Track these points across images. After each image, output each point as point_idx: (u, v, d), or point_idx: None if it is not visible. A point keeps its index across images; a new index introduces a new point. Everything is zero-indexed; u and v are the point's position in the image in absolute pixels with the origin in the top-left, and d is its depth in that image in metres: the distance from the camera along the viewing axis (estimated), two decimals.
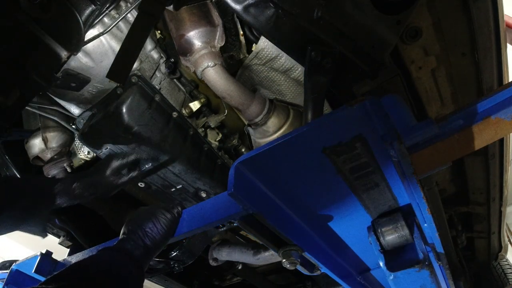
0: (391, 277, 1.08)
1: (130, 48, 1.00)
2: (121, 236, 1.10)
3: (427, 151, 0.95)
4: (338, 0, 1.10)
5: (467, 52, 1.33)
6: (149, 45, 1.48)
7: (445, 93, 1.50)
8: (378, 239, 1.11)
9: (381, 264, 1.09)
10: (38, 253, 2.32)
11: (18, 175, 1.72)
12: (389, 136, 0.82)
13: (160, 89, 1.52)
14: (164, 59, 1.56)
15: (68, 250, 2.13)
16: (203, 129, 1.73)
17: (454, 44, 1.31)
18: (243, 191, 0.87)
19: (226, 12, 1.45)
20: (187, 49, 1.43)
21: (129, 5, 1.26)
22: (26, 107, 1.48)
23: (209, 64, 1.40)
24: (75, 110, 1.52)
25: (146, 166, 1.53)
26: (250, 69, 1.56)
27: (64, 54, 1.07)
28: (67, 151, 1.67)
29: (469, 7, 1.18)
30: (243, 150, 1.88)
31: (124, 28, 1.36)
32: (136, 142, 1.41)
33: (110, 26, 1.20)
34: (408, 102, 1.43)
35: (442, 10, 1.21)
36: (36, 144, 1.59)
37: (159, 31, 1.57)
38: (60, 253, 1.89)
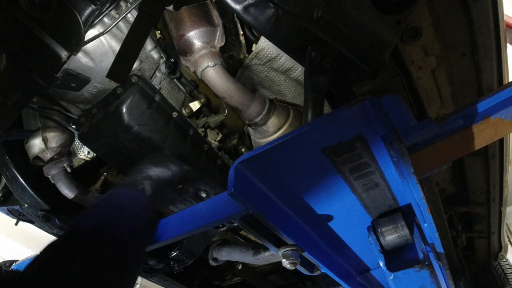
0: (391, 277, 1.08)
1: (130, 48, 1.00)
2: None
3: (427, 151, 0.95)
4: (338, 0, 1.10)
5: (467, 52, 1.33)
6: (149, 45, 1.48)
7: (445, 93, 1.50)
8: (378, 239, 1.11)
9: (381, 264, 1.09)
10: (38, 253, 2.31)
11: (18, 176, 1.72)
12: (389, 136, 0.82)
13: (160, 89, 1.52)
14: (164, 59, 1.56)
15: None
16: (203, 129, 1.73)
17: (454, 44, 1.31)
18: (243, 191, 0.87)
19: (226, 12, 1.45)
20: (187, 49, 1.43)
21: (129, 5, 1.26)
22: (26, 107, 1.48)
23: (209, 64, 1.40)
24: (75, 110, 1.52)
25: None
26: (250, 69, 1.56)
27: (64, 54, 1.07)
28: (67, 151, 1.67)
29: (469, 7, 1.18)
30: (243, 150, 1.88)
31: (124, 28, 1.36)
32: (136, 142, 1.41)
33: (110, 26, 1.20)
34: (408, 102, 1.43)
35: (442, 10, 1.21)
36: (36, 144, 1.59)
37: (159, 31, 1.57)
38: None
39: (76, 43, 1.11)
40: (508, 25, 3.63)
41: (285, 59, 1.46)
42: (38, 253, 0.83)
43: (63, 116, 1.56)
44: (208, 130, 1.77)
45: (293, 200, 1.05)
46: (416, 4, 1.09)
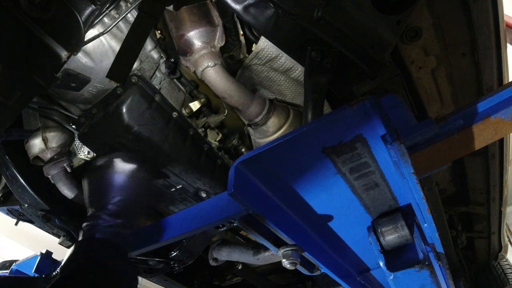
0: (391, 277, 1.08)
1: (130, 48, 1.00)
2: (90, 213, 1.08)
3: (427, 151, 0.95)
4: (338, 0, 1.10)
5: (467, 52, 1.33)
6: (149, 45, 1.48)
7: (445, 93, 1.50)
8: (378, 239, 1.11)
9: (381, 264, 1.09)
10: (38, 253, 2.32)
11: (18, 176, 1.72)
12: (389, 136, 0.82)
13: (160, 89, 1.52)
14: (164, 59, 1.56)
15: (68, 250, 2.13)
16: (203, 129, 1.73)
17: (454, 44, 1.31)
18: (243, 191, 0.87)
19: (226, 12, 1.45)
20: (187, 49, 1.43)
21: (129, 5, 1.26)
22: (26, 107, 1.48)
23: (209, 64, 1.40)
24: (75, 110, 1.52)
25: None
26: (250, 69, 1.56)
27: (64, 54, 1.07)
28: (67, 151, 1.67)
29: (469, 7, 1.18)
30: (243, 150, 1.88)
31: (124, 28, 1.36)
32: (136, 142, 1.41)
33: (110, 26, 1.20)
34: (408, 102, 1.43)
35: (442, 10, 1.21)
36: (36, 144, 1.59)
37: (159, 31, 1.57)
38: (60, 253, 1.89)
39: (76, 43, 1.11)
40: (508, 25, 3.63)
41: (285, 59, 1.46)
42: None
43: (63, 116, 1.56)
44: (208, 130, 1.77)
45: (293, 200, 1.05)
46: (416, 4, 1.09)
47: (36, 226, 2.09)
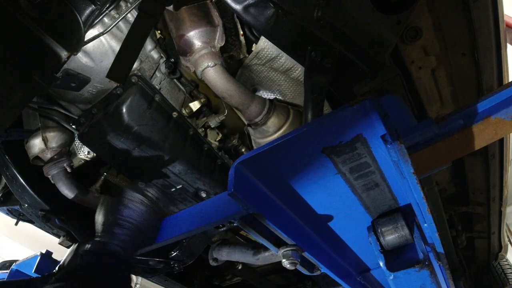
0: (391, 277, 1.08)
1: (130, 48, 1.00)
2: (100, 232, 1.10)
3: (427, 151, 0.95)
4: (338, 0, 1.10)
5: (467, 52, 1.33)
6: (149, 45, 1.48)
7: (445, 93, 1.50)
8: (378, 239, 1.11)
9: (381, 264, 1.09)
10: (38, 253, 2.32)
11: (18, 176, 1.72)
12: (389, 136, 0.82)
13: (160, 89, 1.52)
14: (164, 59, 1.56)
15: (68, 250, 2.13)
16: (203, 129, 1.73)
17: (454, 44, 1.31)
18: (243, 191, 0.87)
19: (226, 12, 1.45)
20: (187, 49, 1.43)
21: (129, 5, 1.26)
22: (26, 107, 1.48)
23: (209, 64, 1.40)
24: (75, 110, 1.52)
25: (146, 166, 1.54)
26: (250, 69, 1.56)
27: (64, 54, 1.07)
28: (67, 151, 1.67)
29: (469, 7, 1.18)
30: (243, 150, 1.88)
31: (124, 28, 1.36)
32: (136, 142, 1.41)
33: (110, 26, 1.20)
34: (408, 102, 1.43)
35: (442, 10, 1.21)
36: (36, 144, 1.59)
37: (159, 31, 1.57)
38: (60, 253, 1.89)
39: (76, 43, 1.11)
40: (508, 25, 3.63)
41: (285, 59, 1.46)
42: None
43: (63, 116, 1.56)
44: (208, 130, 1.77)
45: (293, 200, 1.05)
46: (416, 4, 1.09)
47: (36, 226, 2.09)
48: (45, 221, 1.88)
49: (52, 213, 1.84)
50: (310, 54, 1.20)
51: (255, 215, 0.96)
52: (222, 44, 1.47)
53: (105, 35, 1.23)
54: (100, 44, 1.31)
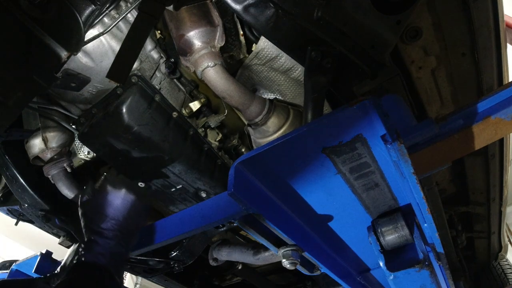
0: (391, 277, 1.08)
1: (130, 48, 1.00)
2: (83, 242, 1.06)
3: (427, 151, 0.95)
4: (338, 0, 1.10)
5: (467, 52, 1.33)
6: (149, 45, 1.48)
7: (445, 93, 1.50)
8: (378, 239, 1.11)
9: (381, 264, 1.09)
10: (38, 253, 2.32)
11: (18, 176, 1.72)
12: (389, 136, 0.82)
13: (160, 89, 1.52)
14: (164, 59, 1.56)
15: (68, 250, 2.13)
16: (203, 129, 1.73)
17: (454, 44, 1.31)
18: (243, 191, 0.87)
19: (226, 12, 1.45)
20: (187, 49, 1.43)
21: (129, 5, 1.26)
22: (26, 107, 1.48)
23: (209, 64, 1.40)
24: (75, 110, 1.52)
25: (146, 166, 1.54)
26: (250, 69, 1.56)
27: (64, 54, 1.07)
28: (67, 151, 1.67)
29: (469, 7, 1.18)
30: (243, 150, 1.88)
31: (124, 28, 1.36)
32: (136, 142, 1.41)
33: (110, 26, 1.20)
34: (408, 102, 1.43)
35: (442, 10, 1.21)
36: (36, 144, 1.59)
37: (159, 31, 1.57)
38: (60, 253, 1.89)
39: (76, 43, 1.11)
40: (508, 25, 3.63)
41: (285, 59, 1.46)
42: None
43: (63, 116, 1.56)
44: (208, 130, 1.77)
45: (293, 200, 1.05)
46: (416, 4, 1.09)
47: (36, 226, 2.09)
48: (45, 221, 1.88)
49: (52, 213, 1.84)
50: (310, 54, 1.20)
51: (255, 215, 0.96)
52: (222, 44, 1.47)
53: (105, 35, 1.23)
54: (100, 44, 1.31)
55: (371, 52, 1.18)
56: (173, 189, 1.68)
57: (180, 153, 1.53)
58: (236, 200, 0.88)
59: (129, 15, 1.31)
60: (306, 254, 1.15)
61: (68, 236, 2.07)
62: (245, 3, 1.17)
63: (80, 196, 1.17)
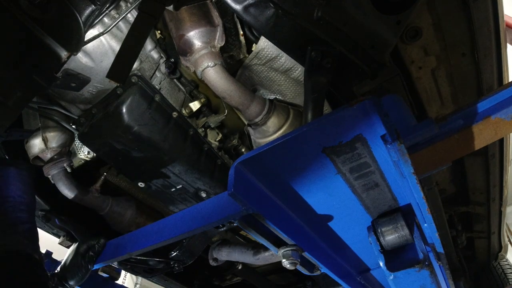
0: (391, 277, 1.08)
1: (130, 48, 1.00)
2: None
3: (427, 151, 0.95)
4: (338, 0, 1.10)
5: (467, 52, 1.33)
6: (149, 45, 1.48)
7: (445, 93, 1.50)
8: (378, 239, 1.11)
9: (381, 264, 1.09)
10: None
11: None
12: (389, 136, 0.82)
13: (160, 89, 1.52)
14: (164, 59, 1.56)
15: (68, 250, 2.13)
16: (203, 129, 1.73)
17: (454, 44, 1.31)
18: (243, 191, 0.87)
19: (226, 12, 1.45)
20: (187, 49, 1.43)
21: (129, 5, 1.26)
22: (26, 107, 1.48)
23: (209, 64, 1.40)
24: (75, 110, 1.52)
25: (146, 166, 1.54)
26: (250, 69, 1.56)
27: (64, 54, 1.07)
28: (67, 151, 1.67)
29: (469, 7, 1.18)
30: (243, 150, 1.88)
31: (124, 28, 1.36)
32: (136, 142, 1.41)
33: (110, 26, 1.20)
34: (408, 102, 1.43)
35: (442, 10, 1.21)
36: (36, 144, 1.59)
37: (159, 31, 1.57)
38: (60, 253, 1.89)
39: (76, 43, 1.11)
40: (508, 25, 3.64)
41: (285, 59, 1.46)
42: None
43: (63, 116, 1.56)
44: (208, 130, 1.77)
45: (293, 200, 1.05)
46: (416, 4, 1.09)
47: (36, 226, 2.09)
48: (45, 221, 1.88)
49: (52, 213, 1.84)
50: (310, 54, 1.20)
51: (255, 215, 0.96)
52: (222, 44, 1.47)
53: (105, 35, 1.23)
54: (100, 44, 1.31)
55: (371, 52, 1.18)
56: (173, 189, 1.68)
57: (180, 153, 1.53)
58: (236, 200, 0.88)
59: (129, 15, 1.31)
60: (306, 254, 1.15)
61: (68, 236, 2.07)
62: (245, 3, 1.17)
63: None
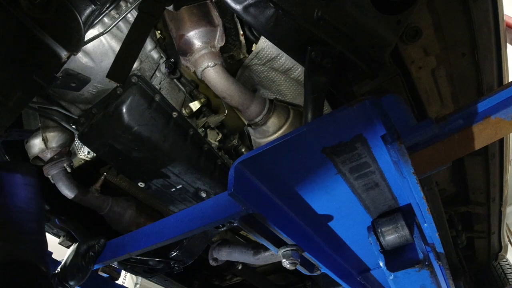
0: (391, 277, 1.08)
1: (130, 48, 1.00)
2: None
3: (427, 151, 0.95)
4: (338, 0, 1.10)
5: (467, 52, 1.33)
6: (149, 45, 1.48)
7: (445, 93, 1.50)
8: (378, 239, 1.11)
9: (381, 264, 1.09)
10: None
11: None
12: (389, 136, 0.82)
13: (160, 89, 1.52)
14: (164, 59, 1.56)
15: (68, 250, 2.13)
16: (203, 129, 1.73)
17: (454, 44, 1.31)
18: (243, 191, 0.87)
19: (226, 12, 1.45)
20: (187, 49, 1.43)
21: (129, 5, 1.26)
22: (26, 107, 1.47)
23: (209, 64, 1.40)
24: (75, 110, 1.52)
25: (146, 166, 1.53)
26: (250, 69, 1.56)
27: (64, 54, 1.07)
28: (67, 151, 1.67)
29: (469, 7, 1.18)
30: (243, 150, 1.88)
31: (124, 28, 1.36)
32: (136, 142, 1.41)
33: (110, 26, 1.20)
34: (408, 102, 1.43)
35: (442, 10, 1.21)
36: (36, 144, 1.59)
37: (159, 31, 1.57)
38: (60, 253, 1.89)
39: (76, 43, 1.11)
40: (508, 25, 3.64)
41: (285, 59, 1.46)
42: None
43: (63, 116, 1.56)
44: (208, 130, 1.77)
45: (293, 200, 1.05)
46: (416, 4, 1.09)
47: None
48: (45, 221, 1.88)
49: (52, 213, 1.84)
50: (310, 54, 1.20)
51: (255, 215, 0.96)
52: (222, 44, 1.47)
53: (105, 35, 1.23)
54: (100, 44, 1.31)
55: (371, 52, 1.18)
56: (173, 189, 1.68)
57: (180, 153, 1.53)
58: (236, 200, 0.88)
59: (129, 15, 1.31)
60: (306, 254, 1.15)
61: (68, 236, 2.07)
62: (245, 3, 1.17)
63: None
